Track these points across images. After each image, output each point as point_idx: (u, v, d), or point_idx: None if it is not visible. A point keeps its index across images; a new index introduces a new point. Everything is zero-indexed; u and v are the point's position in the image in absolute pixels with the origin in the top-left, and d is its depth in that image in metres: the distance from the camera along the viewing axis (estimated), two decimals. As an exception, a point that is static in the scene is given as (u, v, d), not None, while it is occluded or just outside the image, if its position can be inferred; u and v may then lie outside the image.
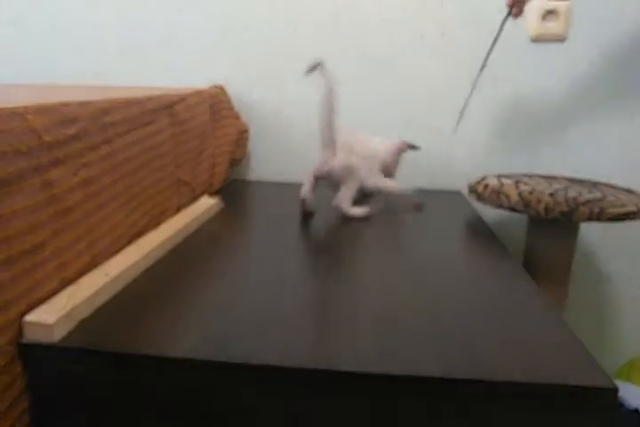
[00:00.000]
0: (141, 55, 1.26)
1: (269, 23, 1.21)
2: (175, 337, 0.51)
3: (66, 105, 0.57)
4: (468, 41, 1.18)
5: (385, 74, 1.22)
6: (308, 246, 0.81)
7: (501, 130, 1.23)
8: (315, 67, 0.92)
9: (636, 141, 1.21)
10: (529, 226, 1.05)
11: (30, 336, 0.49)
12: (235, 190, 1.18)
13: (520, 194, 0.93)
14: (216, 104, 1.12)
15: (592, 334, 1.34)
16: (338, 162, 0.97)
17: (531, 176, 1.11)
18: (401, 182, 1.21)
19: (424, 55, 1.20)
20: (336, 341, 0.51)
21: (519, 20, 1.09)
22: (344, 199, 0.98)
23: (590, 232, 1.26)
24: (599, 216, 0.87)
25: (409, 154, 1.09)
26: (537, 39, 1.17)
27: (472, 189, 1.03)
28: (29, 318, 0.49)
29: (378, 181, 1.02)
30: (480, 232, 0.92)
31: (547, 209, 0.89)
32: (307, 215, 0.99)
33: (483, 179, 1.07)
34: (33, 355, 0.49)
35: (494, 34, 1.05)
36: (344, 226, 0.93)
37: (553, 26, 1.16)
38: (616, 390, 0.44)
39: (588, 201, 0.89)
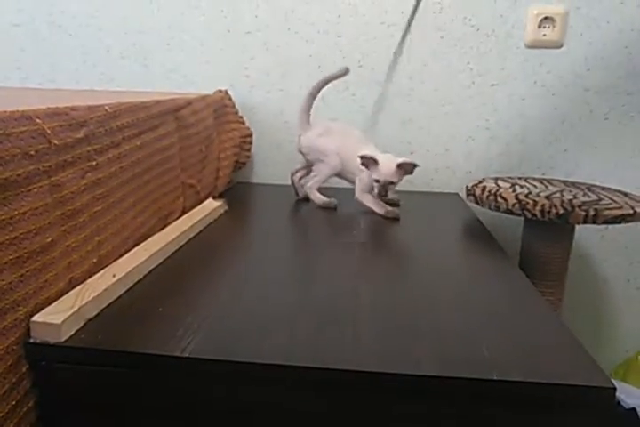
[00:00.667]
0: (144, 59, 1.28)
1: (271, 27, 1.22)
2: (179, 336, 0.52)
3: (74, 109, 0.58)
4: (466, 44, 1.19)
5: (384, 77, 1.23)
6: (308, 248, 0.82)
7: (498, 133, 1.24)
8: (343, 73, 1.03)
9: (631, 144, 1.22)
10: (525, 228, 1.06)
11: (38, 336, 0.50)
12: (239, 193, 1.19)
13: (517, 197, 0.93)
14: (220, 108, 1.13)
15: (588, 334, 1.35)
16: (305, 140, 1.06)
17: (527, 179, 1.12)
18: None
19: (423, 58, 1.21)
20: (336, 340, 0.52)
21: (515, 26, 1.10)
22: (311, 182, 1.05)
23: (587, 234, 1.26)
24: (595, 218, 0.88)
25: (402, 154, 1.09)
26: (533, 46, 1.18)
27: (469, 192, 1.03)
28: (37, 318, 0.50)
29: (361, 198, 1.03)
30: (478, 234, 0.92)
31: (543, 211, 0.90)
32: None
33: (480, 182, 1.08)
34: (40, 354, 0.50)
35: (491, 37, 1.07)
36: (345, 228, 0.93)
37: (549, 33, 1.16)
38: (614, 389, 0.45)
39: (583, 203, 0.90)
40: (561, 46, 1.18)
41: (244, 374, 0.49)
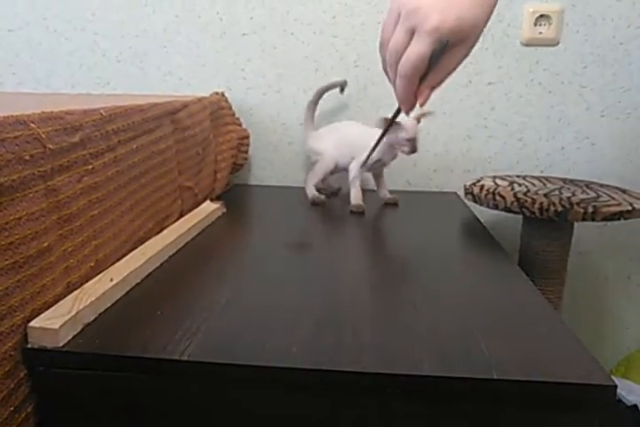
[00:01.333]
0: (140, 62, 1.27)
1: (267, 29, 1.22)
2: (178, 340, 0.51)
3: (69, 113, 0.58)
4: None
5: (381, 78, 1.22)
6: (308, 249, 0.82)
7: (496, 132, 1.23)
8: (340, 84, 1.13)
9: (629, 141, 1.21)
10: (524, 226, 1.06)
11: (35, 341, 0.50)
12: (236, 195, 1.18)
13: (515, 195, 0.93)
14: (217, 111, 1.12)
15: (589, 331, 1.34)
16: (307, 145, 1.17)
17: (525, 177, 1.12)
18: (399, 183, 1.22)
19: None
20: (336, 342, 0.52)
21: (511, 24, 1.09)
22: (308, 180, 1.12)
23: (587, 231, 1.26)
24: (593, 216, 0.88)
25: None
26: (529, 43, 1.18)
27: (468, 191, 1.03)
28: (35, 323, 0.50)
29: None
30: (476, 233, 0.92)
31: (541, 209, 0.90)
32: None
33: (478, 180, 1.08)
34: (38, 360, 0.50)
35: (487, 35, 1.06)
36: (343, 228, 0.93)
37: (545, 30, 1.16)
38: (615, 387, 0.44)
39: (582, 201, 0.90)
40: (557, 44, 1.17)
41: (243, 377, 0.49)
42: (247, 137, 1.25)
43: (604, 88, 1.19)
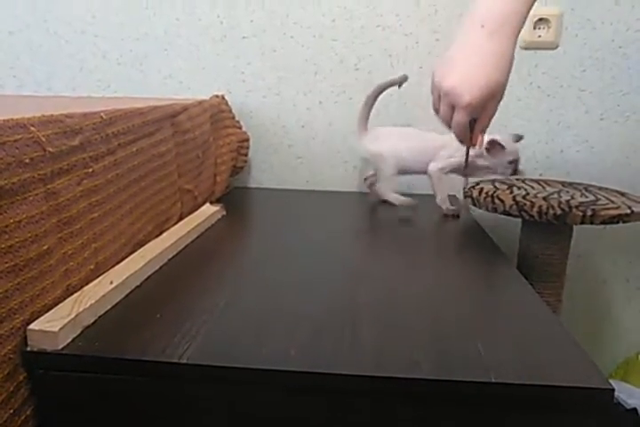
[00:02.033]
0: (140, 65, 1.28)
1: (267, 32, 1.23)
2: (177, 343, 0.52)
3: (69, 116, 0.58)
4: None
5: (380, 80, 1.23)
6: (308, 252, 0.82)
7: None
8: (401, 80, 1.07)
9: (628, 144, 1.22)
10: (523, 229, 1.06)
11: (35, 344, 0.50)
12: (236, 198, 1.19)
13: (514, 198, 0.94)
14: (217, 113, 1.13)
15: (588, 335, 1.35)
16: (361, 147, 1.11)
17: (524, 180, 1.12)
18: (400, 186, 1.22)
19: (419, 60, 1.21)
20: (334, 345, 0.52)
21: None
22: (380, 186, 1.08)
23: (586, 234, 1.26)
24: (592, 219, 0.88)
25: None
26: (528, 47, 1.18)
27: (467, 195, 1.04)
28: (34, 326, 0.50)
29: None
30: (475, 236, 0.93)
31: (540, 213, 0.90)
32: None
33: (477, 184, 1.08)
34: (37, 362, 0.50)
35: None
36: (344, 231, 0.93)
37: (544, 34, 1.17)
38: (612, 390, 0.44)
39: (580, 204, 0.90)
40: (556, 47, 1.18)
41: (242, 379, 0.49)
42: (247, 140, 1.26)
43: (603, 91, 1.19)
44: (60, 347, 0.50)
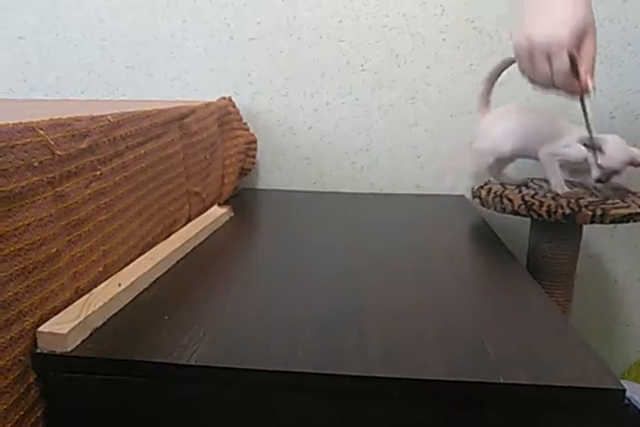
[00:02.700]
0: (148, 68, 1.28)
1: (273, 34, 1.23)
2: (185, 344, 0.52)
3: (77, 119, 0.58)
4: (469, 46, 1.19)
5: (387, 81, 1.23)
6: (316, 253, 0.82)
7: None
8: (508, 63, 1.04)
9: (637, 143, 1.20)
10: (532, 229, 1.05)
11: (44, 346, 0.50)
12: (244, 199, 1.19)
13: (523, 198, 0.93)
14: (225, 116, 1.13)
15: (600, 335, 1.33)
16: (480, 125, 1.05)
17: (533, 180, 1.11)
18: (409, 186, 1.22)
19: (426, 61, 1.21)
20: (341, 345, 0.52)
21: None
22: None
23: (596, 233, 1.25)
24: (602, 218, 0.87)
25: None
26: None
27: (475, 195, 1.03)
28: (43, 328, 0.50)
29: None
30: (484, 236, 0.92)
31: (549, 212, 0.89)
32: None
33: (486, 183, 1.07)
34: (47, 364, 0.51)
35: (494, 38, 1.06)
36: (349, 231, 0.93)
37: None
38: (623, 391, 0.44)
39: (590, 203, 0.89)
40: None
41: (250, 381, 0.49)
42: (254, 141, 1.26)
43: (613, 90, 1.18)
44: (70, 349, 0.51)
